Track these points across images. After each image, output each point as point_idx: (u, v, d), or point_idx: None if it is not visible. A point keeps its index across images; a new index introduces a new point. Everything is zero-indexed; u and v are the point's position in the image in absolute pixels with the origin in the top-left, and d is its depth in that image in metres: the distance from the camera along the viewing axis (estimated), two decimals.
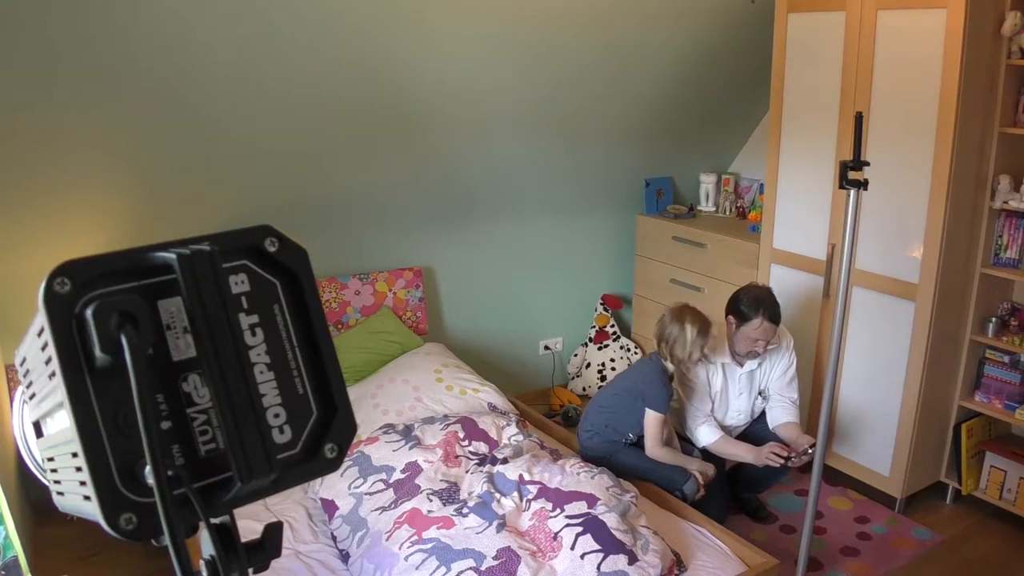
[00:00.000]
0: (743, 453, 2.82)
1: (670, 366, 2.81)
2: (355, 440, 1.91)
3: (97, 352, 0.54)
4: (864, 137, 2.16)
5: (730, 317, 2.81)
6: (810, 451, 2.67)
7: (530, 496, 2.36)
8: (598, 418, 2.87)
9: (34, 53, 2.39)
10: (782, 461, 2.69)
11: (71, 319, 0.54)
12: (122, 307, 0.54)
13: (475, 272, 3.88)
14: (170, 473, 0.55)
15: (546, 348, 4.19)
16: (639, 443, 2.86)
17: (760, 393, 2.97)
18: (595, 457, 2.77)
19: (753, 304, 2.74)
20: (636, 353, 4.27)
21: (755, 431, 2.98)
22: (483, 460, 2.65)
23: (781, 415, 2.93)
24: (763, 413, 3.00)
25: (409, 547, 2.19)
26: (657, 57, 3.54)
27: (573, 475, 2.46)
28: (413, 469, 2.56)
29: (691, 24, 3.45)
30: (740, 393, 2.94)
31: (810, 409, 3.36)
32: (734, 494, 3.13)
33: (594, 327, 4.18)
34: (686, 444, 2.96)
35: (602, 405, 2.90)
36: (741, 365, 2.90)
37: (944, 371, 2.99)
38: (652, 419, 2.75)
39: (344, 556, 2.38)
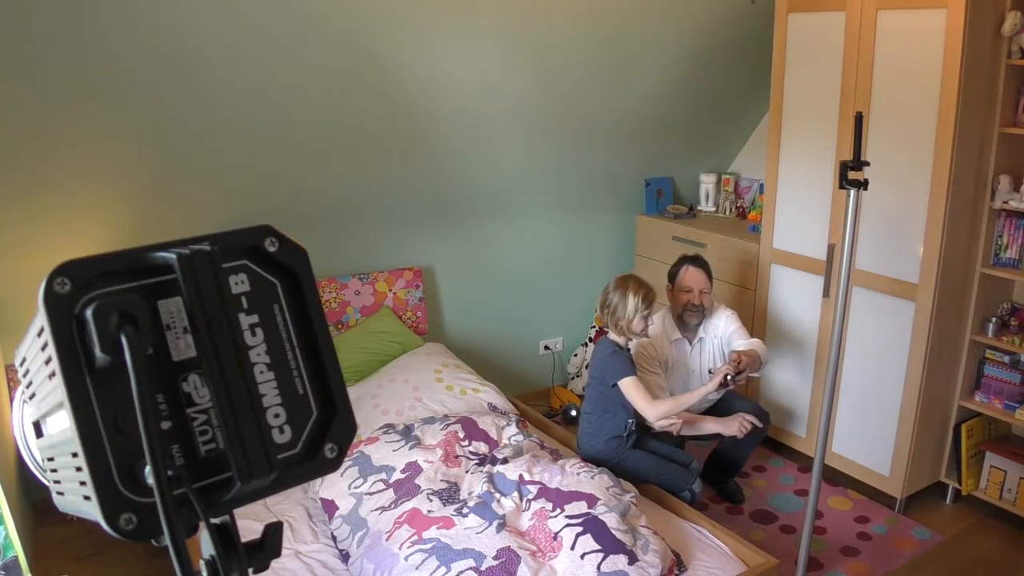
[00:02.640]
0: (698, 395, 2.74)
1: (619, 338, 2.78)
2: (355, 440, 1.91)
3: (97, 352, 0.54)
4: (864, 137, 2.17)
5: (668, 285, 3.05)
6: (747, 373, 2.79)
7: (530, 496, 2.36)
8: (589, 424, 2.84)
9: (35, 54, 2.39)
10: (748, 428, 2.81)
11: (71, 319, 0.54)
12: (122, 307, 0.54)
13: (475, 272, 3.88)
14: (170, 473, 0.55)
15: (546, 348, 4.19)
16: (640, 443, 2.86)
17: (710, 371, 3.07)
18: (604, 462, 2.74)
19: (677, 262, 3.06)
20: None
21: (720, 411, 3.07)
22: (483, 460, 2.65)
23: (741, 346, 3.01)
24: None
25: (409, 547, 2.19)
26: (657, 57, 3.54)
27: (573, 475, 2.45)
28: (413, 469, 2.56)
29: (691, 24, 3.45)
30: (692, 371, 3.07)
31: (811, 409, 3.37)
32: (712, 479, 3.20)
33: (594, 327, 4.18)
34: (656, 441, 2.93)
35: (588, 411, 2.86)
36: (691, 343, 3.04)
37: (944, 371, 2.99)
38: (628, 386, 2.69)
39: (344, 556, 2.38)
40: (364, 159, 3.29)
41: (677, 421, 2.75)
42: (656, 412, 2.69)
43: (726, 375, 2.67)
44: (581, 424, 2.88)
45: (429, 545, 2.18)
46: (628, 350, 2.81)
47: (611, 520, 2.20)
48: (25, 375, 0.66)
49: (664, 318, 3.05)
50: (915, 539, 2.97)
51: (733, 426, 2.79)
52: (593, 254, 4.18)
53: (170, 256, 0.58)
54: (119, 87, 2.60)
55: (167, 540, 0.53)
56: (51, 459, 0.64)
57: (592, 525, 2.19)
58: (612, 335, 2.79)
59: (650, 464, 2.77)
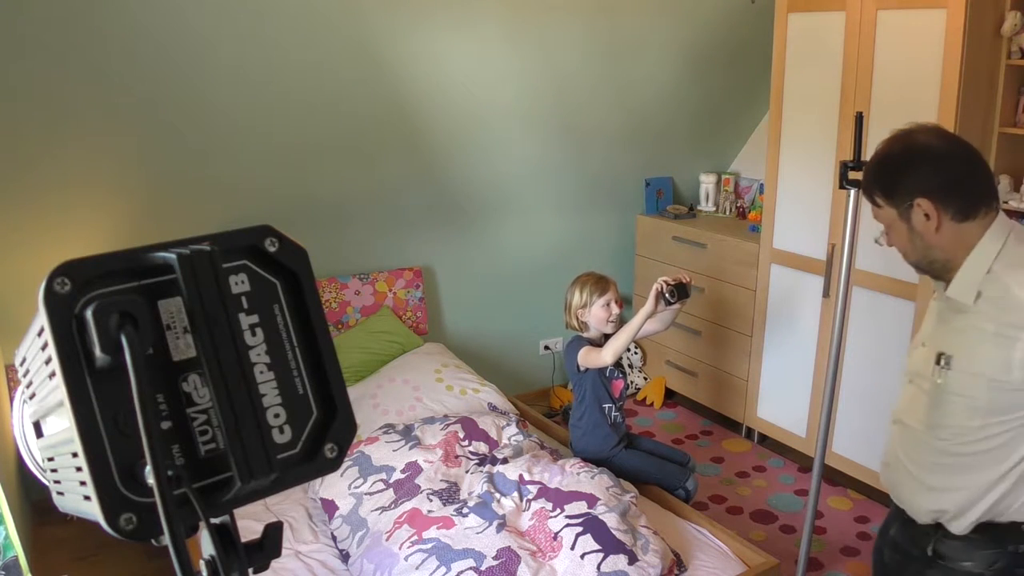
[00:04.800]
0: (640, 318, 2.59)
1: (589, 335, 2.76)
2: (355, 440, 1.91)
3: (97, 352, 0.54)
4: (864, 137, 2.16)
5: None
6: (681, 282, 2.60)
7: (530, 496, 2.36)
8: (576, 419, 2.82)
9: (36, 55, 2.39)
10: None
11: (71, 319, 0.54)
12: (122, 307, 0.54)
13: (475, 272, 3.88)
14: (170, 473, 0.55)
15: (546, 348, 4.19)
16: (634, 443, 2.86)
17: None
18: (593, 460, 2.74)
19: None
20: (636, 352, 4.27)
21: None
22: (483, 460, 2.65)
23: None
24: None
25: (409, 547, 2.19)
26: (657, 57, 3.54)
27: (573, 475, 2.45)
28: (413, 469, 2.56)
29: (691, 24, 3.45)
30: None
31: (811, 409, 3.37)
32: None
33: None
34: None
35: (574, 410, 2.85)
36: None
37: None
38: (583, 356, 2.66)
39: (344, 556, 2.38)
40: (364, 159, 3.29)
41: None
42: (608, 353, 2.60)
43: (660, 289, 2.55)
44: (570, 425, 2.88)
45: (429, 545, 2.18)
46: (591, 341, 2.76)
47: (611, 520, 2.20)
48: (25, 375, 0.66)
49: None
50: None
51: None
52: (593, 254, 4.18)
53: (170, 256, 0.58)
54: (119, 90, 2.60)
55: (167, 540, 0.53)
56: (51, 459, 0.64)
57: (592, 525, 2.19)
58: (583, 335, 2.78)
59: (643, 462, 2.77)
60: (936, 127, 1.46)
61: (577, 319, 2.77)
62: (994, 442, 1.40)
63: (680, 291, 2.59)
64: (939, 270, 1.47)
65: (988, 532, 1.44)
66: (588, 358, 2.67)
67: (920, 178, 1.41)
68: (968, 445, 1.44)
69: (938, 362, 1.47)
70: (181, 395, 0.58)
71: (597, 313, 2.71)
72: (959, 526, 1.48)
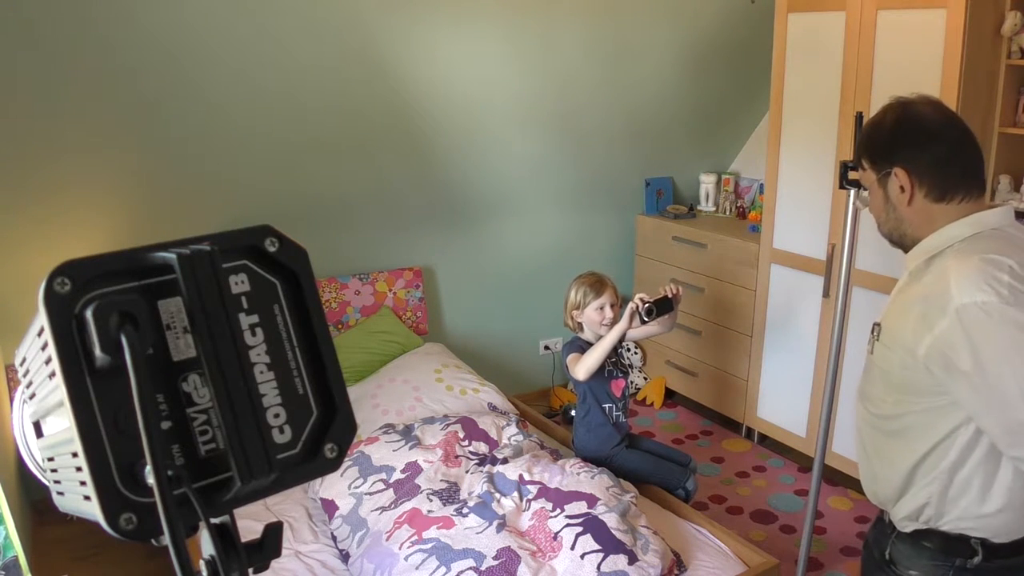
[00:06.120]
0: (613, 336, 2.58)
1: (586, 335, 2.75)
2: (355, 440, 1.91)
3: (97, 352, 0.54)
4: None
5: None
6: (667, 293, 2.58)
7: (530, 496, 2.36)
8: (578, 419, 2.81)
9: (35, 56, 2.39)
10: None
11: (71, 319, 0.54)
12: (122, 307, 0.54)
13: (475, 272, 3.88)
14: (170, 473, 0.55)
15: (546, 348, 4.19)
16: (635, 443, 2.86)
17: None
18: (594, 459, 2.75)
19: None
20: (636, 352, 4.27)
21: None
22: (483, 460, 2.65)
23: None
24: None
25: (409, 547, 2.19)
26: (657, 57, 3.54)
27: (573, 475, 2.45)
28: (413, 469, 2.56)
29: (691, 24, 3.45)
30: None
31: (811, 409, 3.37)
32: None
33: None
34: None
35: (576, 410, 2.85)
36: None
37: None
38: (571, 363, 2.67)
39: (344, 556, 2.38)
40: (364, 159, 3.29)
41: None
42: (580, 371, 2.60)
43: (636, 308, 2.53)
44: (574, 423, 2.88)
45: (429, 545, 2.18)
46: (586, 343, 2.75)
47: (611, 520, 2.20)
48: (25, 375, 0.66)
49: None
50: None
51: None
52: (593, 254, 4.18)
53: (170, 256, 0.58)
54: (120, 90, 2.60)
55: (167, 540, 0.53)
56: (51, 459, 0.64)
57: (592, 525, 2.19)
58: (580, 336, 2.78)
59: (643, 462, 2.77)
60: (936, 101, 1.43)
61: (572, 319, 2.77)
62: (906, 421, 1.40)
63: (661, 307, 2.56)
64: (908, 246, 1.47)
65: (935, 541, 1.43)
66: (571, 366, 2.68)
67: (902, 149, 1.40)
68: (888, 421, 1.44)
69: (872, 331, 1.49)
70: (181, 395, 0.58)
71: (590, 315, 2.71)
72: (898, 519, 1.48)
